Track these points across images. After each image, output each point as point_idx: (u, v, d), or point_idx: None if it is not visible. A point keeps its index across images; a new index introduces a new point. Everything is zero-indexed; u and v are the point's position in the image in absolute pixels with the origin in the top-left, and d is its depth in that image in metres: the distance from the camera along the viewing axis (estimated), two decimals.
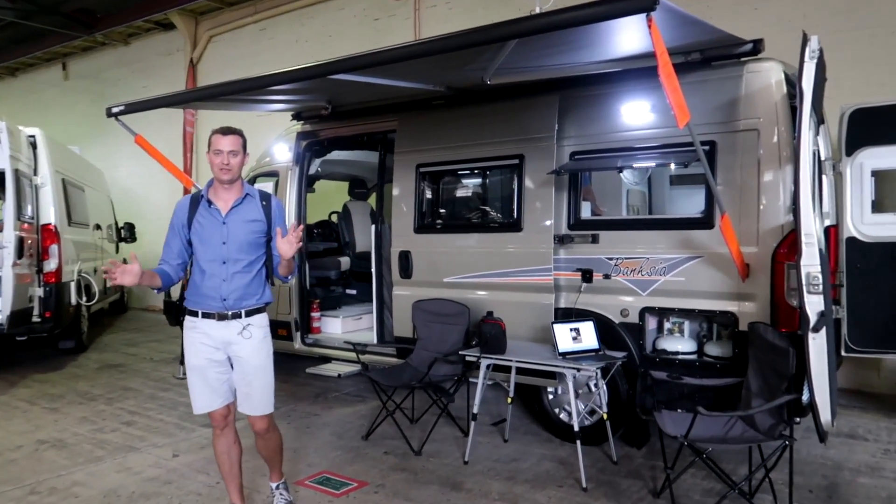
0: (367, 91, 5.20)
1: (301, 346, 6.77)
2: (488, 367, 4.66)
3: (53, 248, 7.54)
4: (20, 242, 6.85)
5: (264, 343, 3.53)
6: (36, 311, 7.40)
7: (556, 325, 4.51)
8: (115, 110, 5.52)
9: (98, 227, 10.15)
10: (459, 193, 5.74)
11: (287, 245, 3.33)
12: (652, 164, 4.74)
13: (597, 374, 4.45)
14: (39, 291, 7.41)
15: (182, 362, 7.50)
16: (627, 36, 3.82)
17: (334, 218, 8.48)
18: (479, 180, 5.61)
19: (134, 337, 10.34)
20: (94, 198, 10.07)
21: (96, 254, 9.72)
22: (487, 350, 4.60)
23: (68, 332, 8.49)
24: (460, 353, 4.78)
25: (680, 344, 4.70)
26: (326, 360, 6.92)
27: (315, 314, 6.98)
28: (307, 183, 6.95)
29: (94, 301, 8.70)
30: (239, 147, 3.41)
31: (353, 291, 7.80)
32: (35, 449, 5.06)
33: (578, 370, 4.27)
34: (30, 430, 5.53)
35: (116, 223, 11.58)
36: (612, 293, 4.85)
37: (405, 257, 5.79)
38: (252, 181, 7.18)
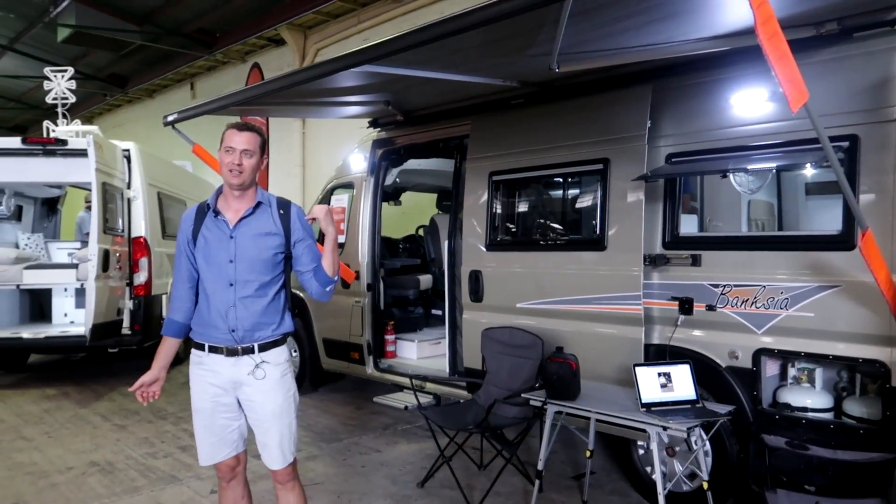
0: (431, 89, 4.59)
1: (373, 371, 6.23)
2: (557, 413, 3.85)
3: (143, 261, 7.55)
4: (106, 255, 6.86)
5: (281, 384, 2.94)
6: (126, 324, 7.44)
7: (639, 369, 3.61)
8: (170, 118, 5.29)
9: None
10: (535, 205, 4.95)
11: (317, 211, 2.89)
12: (767, 165, 3.72)
13: (697, 431, 3.52)
14: (129, 304, 7.44)
15: None
16: (735, 5, 2.92)
17: (422, 233, 7.93)
18: (556, 189, 4.80)
19: None
20: None
21: None
22: (553, 394, 3.78)
23: None
24: (523, 395, 3.99)
25: (809, 398, 3.64)
26: (401, 387, 6.35)
27: (389, 337, 6.43)
28: (383, 194, 6.45)
29: None
30: (255, 147, 2.85)
31: (439, 312, 7.18)
32: (82, 472, 4.84)
33: (665, 428, 3.35)
34: (89, 449, 5.38)
35: None
36: (718, 329, 3.88)
37: (475, 278, 5.08)
38: (329, 194, 6.79)
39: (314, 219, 2.95)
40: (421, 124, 5.82)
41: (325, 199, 6.85)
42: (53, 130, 8.30)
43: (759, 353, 3.72)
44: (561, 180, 4.69)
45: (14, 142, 7.53)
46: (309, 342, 6.92)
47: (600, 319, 4.30)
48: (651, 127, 4.11)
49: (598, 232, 4.34)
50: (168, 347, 2.96)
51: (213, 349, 2.89)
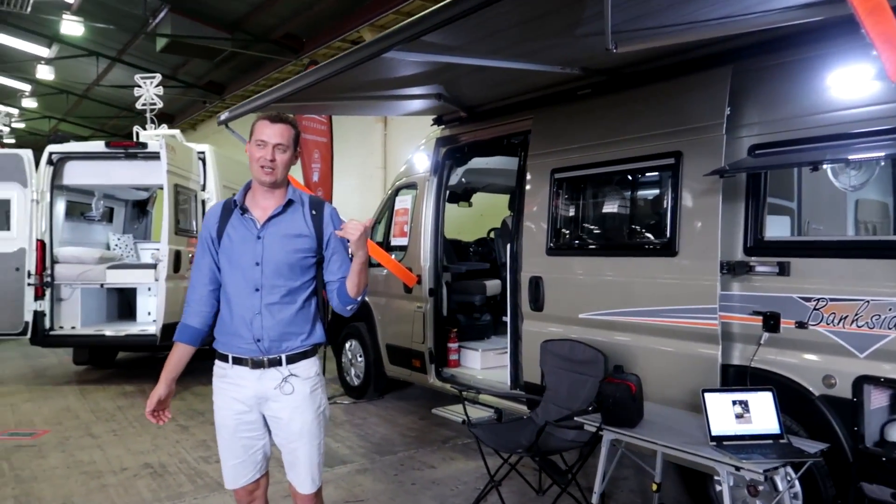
0: (483, 80, 4.25)
1: (435, 380, 5.93)
2: (616, 440, 3.39)
3: None
4: (177, 256, 6.95)
5: (311, 400, 2.68)
6: None
7: (709, 395, 3.09)
8: (222, 117, 5.21)
9: None
10: (598, 205, 4.48)
11: (350, 229, 2.49)
12: (873, 155, 3.11)
13: (782, 470, 2.97)
14: None
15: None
16: None
17: (493, 236, 7.56)
18: (622, 188, 4.30)
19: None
20: None
21: None
22: (609, 420, 3.33)
23: None
24: (576, 418, 3.55)
25: None
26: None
27: (453, 345, 6.10)
28: (451, 195, 6.15)
29: None
30: (289, 141, 2.60)
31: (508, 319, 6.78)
32: (134, 475, 4.82)
33: (737, 469, 2.83)
34: (147, 450, 5.38)
35: None
36: (811, 350, 3.30)
37: (536, 285, 4.67)
38: (394, 195, 6.56)
39: (346, 237, 2.59)
40: (484, 120, 5.47)
41: (390, 200, 6.63)
42: (140, 135, 8.59)
43: (862, 381, 3.11)
44: (627, 177, 4.20)
45: (99, 146, 7.82)
46: (373, 347, 6.72)
47: (670, 334, 3.79)
48: (731, 115, 3.57)
49: (668, 235, 3.83)
50: (179, 356, 2.72)
51: (236, 360, 2.64)
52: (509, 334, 5.16)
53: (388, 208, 6.67)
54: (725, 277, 3.57)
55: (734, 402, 3.08)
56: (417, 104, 5.16)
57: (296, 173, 8.05)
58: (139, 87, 9.61)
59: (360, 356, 6.96)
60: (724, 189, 3.56)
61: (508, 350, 5.19)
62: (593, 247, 4.42)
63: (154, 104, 9.60)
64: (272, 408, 2.67)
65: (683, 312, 3.71)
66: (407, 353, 6.20)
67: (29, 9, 10.32)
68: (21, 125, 25.01)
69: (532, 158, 4.79)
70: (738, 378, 3.52)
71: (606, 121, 4.25)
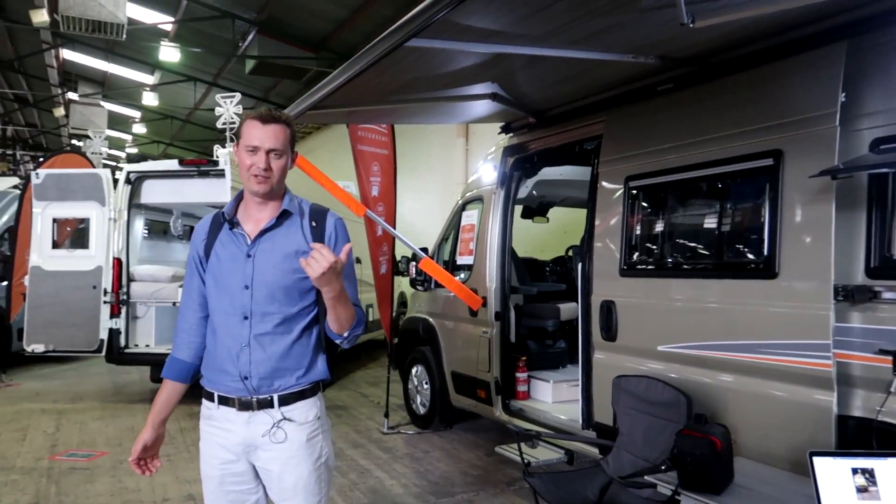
0: (542, 75, 3.71)
1: (501, 413, 5.37)
2: None
3: None
4: None
5: (308, 450, 2.23)
6: None
7: (820, 461, 2.38)
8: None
9: (358, 260, 10.12)
10: (680, 217, 3.79)
11: (313, 262, 1.98)
12: None
13: None
14: None
15: (387, 414, 6.85)
16: None
17: (572, 254, 6.93)
18: (708, 196, 3.60)
19: (383, 374, 10.01)
20: (353, 231, 10.05)
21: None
22: (688, 482, 2.67)
23: None
24: (646, 476, 2.90)
25: None
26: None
27: (521, 375, 5.52)
28: (515, 209, 5.60)
29: None
30: (285, 144, 2.19)
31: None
32: None
33: None
34: (194, 479, 5.10)
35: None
36: None
37: (607, 310, 4.04)
38: (461, 210, 6.08)
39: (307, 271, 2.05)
40: (553, 125, 4.91)
41: (457, 216, 6.16)
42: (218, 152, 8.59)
43: None
44: (714, 183, 3.50)
45: (173, 164, 7.84)
46: (438, 374, 6.24)
47: (770, 375, 3.08)
48: (846, 103, 2.86)
49: (766, 253, 3.13)
50: (167, 395, 2.31)
51: (222, 400, 2.23)
52: (580, 366, 4.52)
53: (454, 225, 6.21)
54: (842, 305, 2.83)
55: (855, 471, 2.35)
56: (477, 109, 4.67)
57: (348, 185, 7.75)
58: (220, 106, 9.71)
59: (426, 383, 6.50)
60: (839, 194, 2.84)
61: (580, 383, 4.56)
62: (674, 267, 3.74)
63: (234, 123, 9.66)
64: (262, 458, 2.23)
65: (787, 348, 3.00)
66: (472, 381, 5.68)
67: (124, 35, 10.63)
68: (134, 150, 26.65)
69: (604, 165, 4.18)
70: (860, 435, 2.77)
71: (689, 118, 3.60)
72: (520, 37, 2.92)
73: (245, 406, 2.21)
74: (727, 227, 3.47)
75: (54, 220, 7.68)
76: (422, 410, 6.60)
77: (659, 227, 3.87)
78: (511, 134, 5.51)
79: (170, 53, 14.25)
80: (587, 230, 4.43)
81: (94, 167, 9.18)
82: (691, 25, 2.62)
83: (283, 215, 2.27)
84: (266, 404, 2.21)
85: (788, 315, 3.01)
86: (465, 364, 5.78)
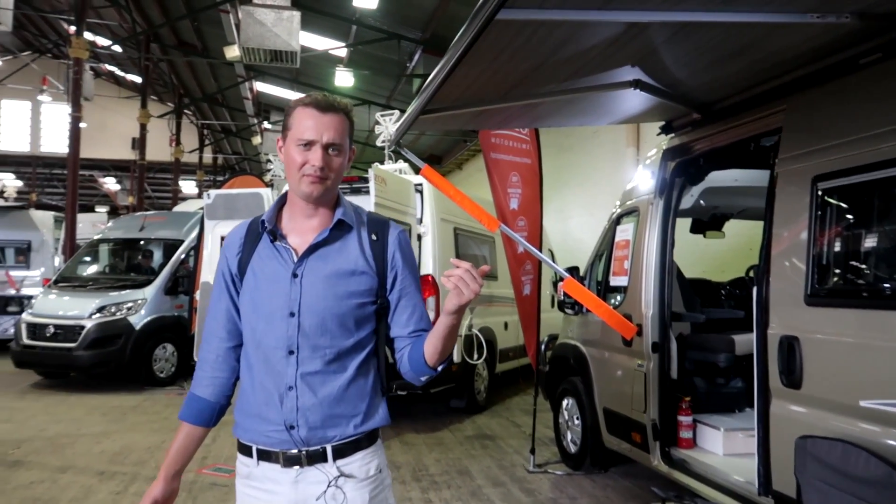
0: (691, 50, 2.97)
1: (660, 463, 4.55)
2: None
3: (431, 300, 7.11)
4: None
5: None
6: None
7: None
8: (391, 140, 4.60)
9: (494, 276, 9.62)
10: (892, 227, 2.82)
11: (463, 286, 1.64)
12: None
13: None
14: None
15: (532, 450, 6.20)
16: None
17: (753, 275, 5.86)
18: None
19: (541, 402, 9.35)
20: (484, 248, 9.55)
21: (504, 307, 9.14)
22: None
23: (460, 391, 8.01)
24: None
25: None
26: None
27: (685, 418, 4.65)
28: (696, 223, 4.79)
29: (482, 359, 7.99)
30: (345, 138, 1.81)
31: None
32: None
33: None
34: None
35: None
36: None
37: (789, 348, 3.15)
38: (615, 225, 5.36)
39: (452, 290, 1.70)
40: (721, 120, 4.07)
41: (610, 230, 5.44)
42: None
43: None
44: None
45: None
46: (590, 409, 5.53)
47: None
48: None
49: None
50: (183, 442, 1.91)
51: (263, 455, 1.81)
52: (756, 416, 3.61)
53: (608, 241, 5.49)
54: None
55: None
56: (623, 103, 3.97)
57: (484, 203, 7.29)
58: (379, 124, 9.78)
59: (577, 418, 5.81)
60: None
61: (756, 437, 3.66)
62: (885, 294, 2.79)
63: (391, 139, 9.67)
64: None
65: None
66: (625, 421, 4.91)
67: (297, 63, 11.18)
68: None
69: (784, 164, 3.31)
70: None
71: None
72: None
73: (292, 461, 1.79)
74: None
75: (221, 238, 8.07)
76: (572, 448, 5.91)
77: (861, 240, 2.93)
78: (672, 134, 4.72)
79: (344, 78, 14.87)
80: (763, 246, 3.54)
81: (267, 187, 9.63)
82: None
83: (339, 226, 1.85)
84: (318, 458, 1.78)
85: None
86: (618, 401, 5.03)
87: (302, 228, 1.86)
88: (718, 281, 6.16)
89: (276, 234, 1.85)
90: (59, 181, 32.87)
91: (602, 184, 12.60)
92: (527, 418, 8.15)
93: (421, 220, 7.32)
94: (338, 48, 14.35)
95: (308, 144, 1.77)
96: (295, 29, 10.91)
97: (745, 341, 4.94)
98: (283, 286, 1.81)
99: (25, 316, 9.73)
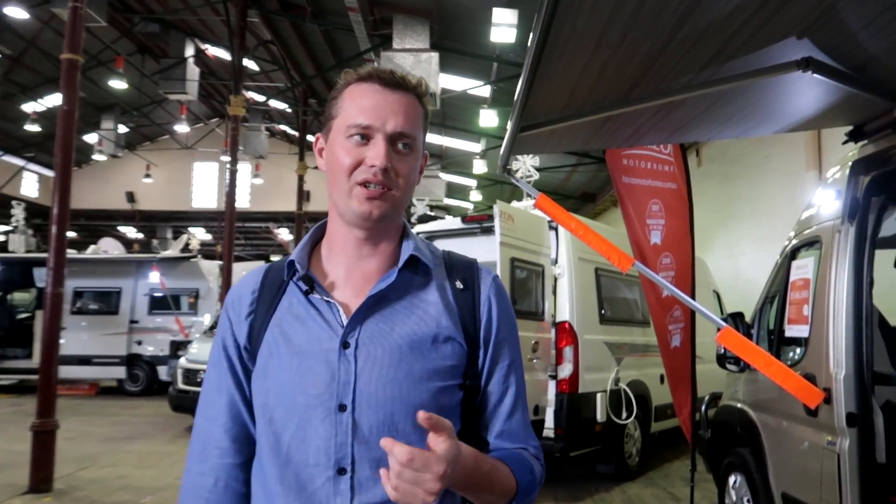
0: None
1: None
2: None
3: (568, 350, 6.31)
4: (534, 346, 5.94)
5: None
6: (549, 425, 6.28)
7: None
8: (503, 164, 3.96)
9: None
10: None
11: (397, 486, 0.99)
12: None
13: None
14: (552, 401, 6.28)
15: None
16: None
17: None
18: None
19: (704, 471, 8.01)
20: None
21: (659, 358, 8.02)
22: None
23: (607, 454, 7.03)
24: None
25: None
26: None
27: None
28: (873, 253, 3.66)
29: (632, 418, 6.94)
30: (418, 128, 1.22)
31: None
32: None
33: None
34: None
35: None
36: None
37: None
38: (788, 261, 4.29)
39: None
40: None
41: (784, 267, 4.37)
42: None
43: None
44: None
45: (457, 222, 7.45)
46: (763, 491, 4.39)
47: None
48: None
49: None
50: None
51: None
52: None
53: (780, 281, 4.42)
54: None
55: None
56: (792, 99, 3.03)
57: (616, 238, 6.35)
58: (517, 159, 9.23)
59: (749, 500, 4.67)
60: None
61: None
62: None
63: (530, 176, 9.08)
64: None
65: None
66: None
67: (438, 104, 11.04)
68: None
69: None
70: None
71: None
72: None
73: None
74: None
75: None
76: None
77: None
78: (864, 141, 3.66)
79: (488, 118, 14.57)
80: None
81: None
82: None
83: (410, 266, 1.23)
84: None
85: None
86: (802, 487, 3.90)
87: (352, 273, 1.24)
88: None
89: (313, 283, 1.22)
90: (240, 233, 35.83)
91: (777, 215, 11.07)
92: (688, 490, 6.96)
93: (556, 261, 6.58)
94: (476, 87, 14.09)
95: (364, 133, 1.17)
96: (434, 70, 10.76)
97: None
98: (327, 364, 1.17)
99: (182, 361, 10.14)
